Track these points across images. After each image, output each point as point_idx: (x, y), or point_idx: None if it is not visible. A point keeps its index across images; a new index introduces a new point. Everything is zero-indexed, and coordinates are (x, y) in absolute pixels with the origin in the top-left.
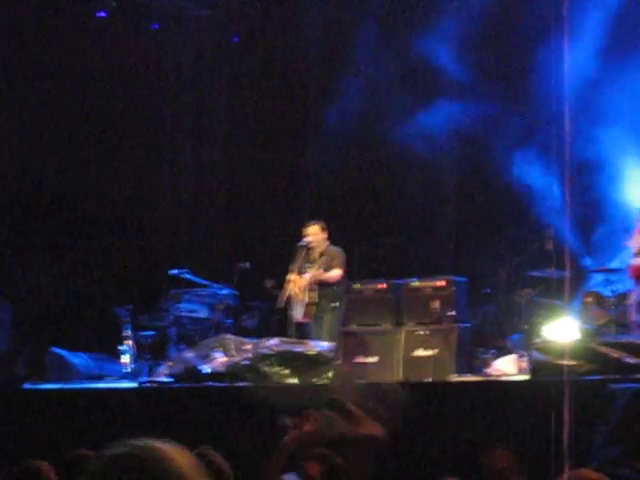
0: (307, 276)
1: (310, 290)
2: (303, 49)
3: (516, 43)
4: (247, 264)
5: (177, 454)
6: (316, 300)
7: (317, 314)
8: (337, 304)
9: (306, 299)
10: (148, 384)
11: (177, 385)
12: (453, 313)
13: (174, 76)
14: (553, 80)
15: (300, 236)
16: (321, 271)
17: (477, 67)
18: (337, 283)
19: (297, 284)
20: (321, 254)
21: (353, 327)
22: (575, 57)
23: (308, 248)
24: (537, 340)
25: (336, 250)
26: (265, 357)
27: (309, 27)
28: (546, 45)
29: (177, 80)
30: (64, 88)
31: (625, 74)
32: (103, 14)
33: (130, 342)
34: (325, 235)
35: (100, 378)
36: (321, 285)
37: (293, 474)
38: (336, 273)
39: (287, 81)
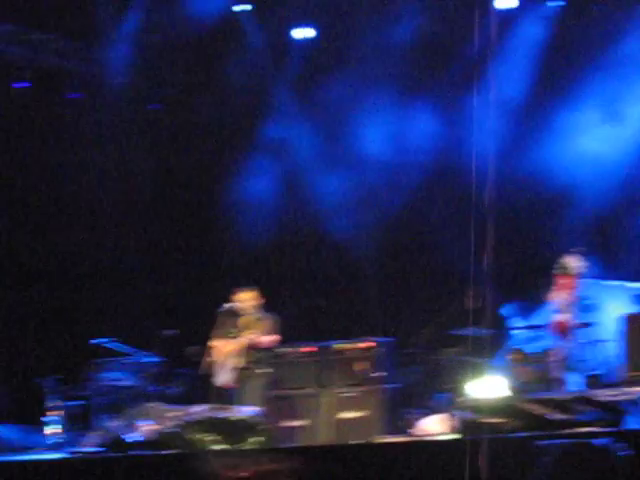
0: (242, 340)
1: (238, 356)
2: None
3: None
4: (173, 331)
5: None
6: (246, 365)
7: (246, 379)
8: (263, 369)
9: (233, 364)
10: (74, 455)
11: (105, 455)
12: (380, 374)
13: (95, 142)
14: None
15: (223, 302)
16: (256, 336)
17: None
18: (268, 347)
19: (222, 350)
20: (255, 320)
21: (281, 391)
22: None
23: (235, 314)
24: (462, 399)
25: (271, 316)
26: (190, 424)
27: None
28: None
29: (99, 146)
30: None
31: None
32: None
33: (57, 412)
34: (260, 302)
35: (25, 450)
36: (251, 350)
37: None
38: (272, 338)
39: (205, 146)
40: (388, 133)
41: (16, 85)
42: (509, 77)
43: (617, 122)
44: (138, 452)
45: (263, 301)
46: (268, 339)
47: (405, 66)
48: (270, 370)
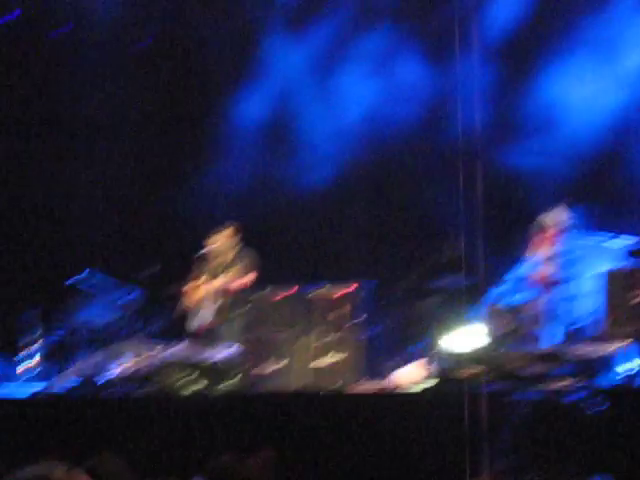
0: (218, 282)
1: (218, 296)
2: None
3: None
4: (156, 267)
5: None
6: (225, 307)
7: (225, 320)
8: (245, 309)
9: (213, 305)
10: (52, 390)
11: (82, 390)
12: (360, 320)
13: (81, 76)
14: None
15: (208, 239)
16: (235, 275)
17: None
18: (247, 288)
19: (203, 290)
20: (234, 258)
21: (260, 333)
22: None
23: (214, 251)
24: (440, 348)
25: (249, 253)
26: (170, 362)
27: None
28: None
29: (84, 80)
30: None
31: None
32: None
33: (34, 347)
34: (237, 238)
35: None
36: (230, 291)
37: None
38: (247, 278)
39: (192, 84)
40: (375, 82)
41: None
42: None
43: (613, 65)
44: (113, 391)
45: (240, 237)
46: (240, 282)
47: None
48: (247, 313)
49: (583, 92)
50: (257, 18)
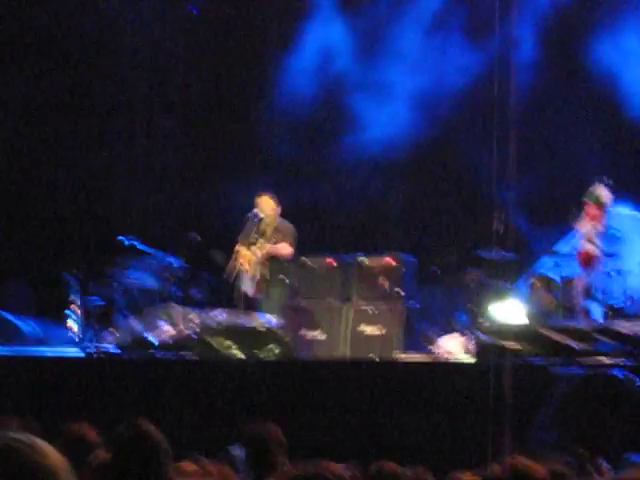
0: (258, 252)
1: (261, 265)
2: (261, 21)
3: None
4: (196, 235)
5: (50, 450)
6: (267, 275)
7: (267, 289)
8: (286, 279)
9: (257, 274)
10: (95, 353)
11: (124, 355)
12: (400, 291)
13: (132, 44)
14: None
15: (251, 207)
16: (273, 246)
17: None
18: (287, 258)
19: (247, 258)
20: (274, 229)
21: (301, 302)
22: None
23: (259, 220)
24: (483, 321)
25: (288, 226)
26: (211, 329)
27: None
28: None
29: (136, 48)
30: (16, 57)
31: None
32: None
33: (77, 308)
34: (278, 209)
35: (45, 343)
36: (271, 260)
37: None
38: (287, 249)
39: (244, 47)
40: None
41: None
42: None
43: None
44: (158, 353)
45: (279, 209)
46: (282, 250)
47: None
48: (291, 280)
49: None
50: None
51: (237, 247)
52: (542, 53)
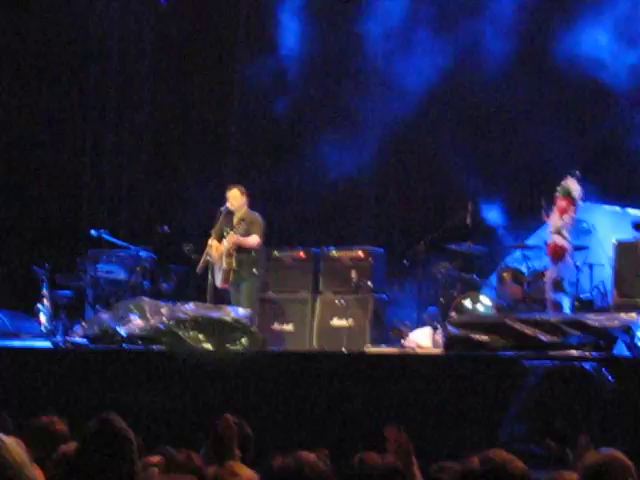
0: (226, 243)
1: (229, 256)
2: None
3: None
4: (167, 228)
5: (13, 446)
6: (234, 266)
7: (236, 280)
8: (255, 271)
9: (224, 265)
10: (63, 345)
11: (92, 347)
12: (370, 284)
13: (101, 38)
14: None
15: (222, 200)
16: (239, 237)
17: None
18: (255, 250)
19: (217, 250)
20: (241, 219)
21: (271, 294)
22: None
23: (228, 212)
24: (452, 314)
25: (255, 216)
26: (181, 321)
27: None
28: None
29: (104, 42)
30: None
31: None
32: None
33: (47, 301)
34: (244, 200)
35: (16, 336)
36: (239, 251)
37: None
38: (254, 239)
39: (213, 41)
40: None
41: None
42: None
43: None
44: (126, 346)
45: (246, 199)
46: (249, 241)
47: None
48: (262, 273)
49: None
50: None
51: (209, 241)
52: (511, 47)
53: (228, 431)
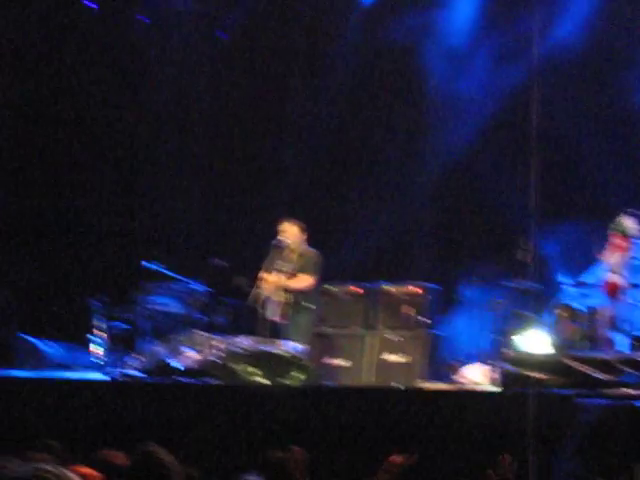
0: (283, 278)
1: (285, 290)
2: (288, 47)
3: None
4: (220, 260)
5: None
6: (291, 300)
7: (292, 315)
8: (311, 305)
9: (278, 298)
10: (119, 377)
11: (148, 380)
12: (426, 320)
13: (160, 69)
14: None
15: (274, 234)
16: (290, 280)
17: None
18: (306, 291)
19: (270, 282)
20: (298, 255)
21: (326, 329)
22: None
23: (281, 245)
24: (507, 351)
25: (312, 252)
26: (236, 355)
27: (294, 27)
28: None
29: (163, 73)
30: (48, 79)
31: None
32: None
33: (102, 333)
34: (304, 237)
35: (70, 368)
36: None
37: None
38: (303, 281)
39: (269, 79)
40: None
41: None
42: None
43: None
44: (180, 379)
45: (305, 236)
46: (299, 284)
47: None
48: (317, 307)
49: None
50: None
51: (261, 273)
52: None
53: (296, 464)
